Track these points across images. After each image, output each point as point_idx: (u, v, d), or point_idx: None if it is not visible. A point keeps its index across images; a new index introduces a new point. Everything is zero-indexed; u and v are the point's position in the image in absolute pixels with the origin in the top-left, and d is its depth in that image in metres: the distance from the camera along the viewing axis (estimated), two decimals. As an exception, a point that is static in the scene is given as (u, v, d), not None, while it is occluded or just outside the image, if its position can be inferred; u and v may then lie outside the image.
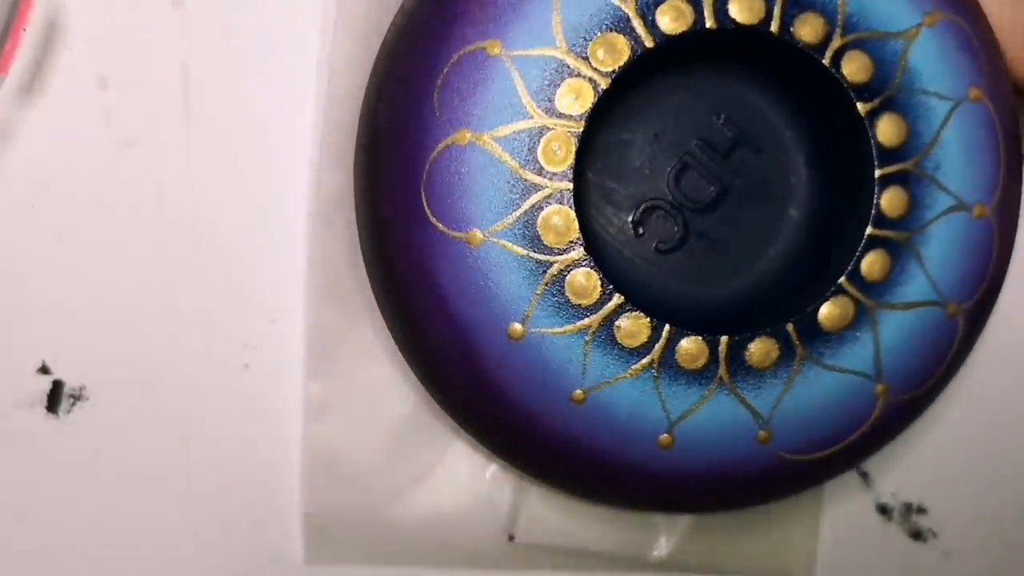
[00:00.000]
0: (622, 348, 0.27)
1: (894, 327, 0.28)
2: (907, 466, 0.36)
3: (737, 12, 0.27)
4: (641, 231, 0.31)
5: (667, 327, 0.27)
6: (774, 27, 0.27)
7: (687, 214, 0.31)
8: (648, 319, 0.27)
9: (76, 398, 0.32)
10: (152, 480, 0.33)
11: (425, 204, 0.27)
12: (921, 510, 0.36)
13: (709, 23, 0.27)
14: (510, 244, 0.27)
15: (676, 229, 0.31)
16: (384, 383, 0.33)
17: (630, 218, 0.30)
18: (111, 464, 0.33)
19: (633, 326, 0.27)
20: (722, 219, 0.31)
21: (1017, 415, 0.36)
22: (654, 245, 0.31)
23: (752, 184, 0.31)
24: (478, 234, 0.27)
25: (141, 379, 0.32)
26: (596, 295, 0.27)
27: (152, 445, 0.33)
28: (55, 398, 0.32)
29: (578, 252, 0.27)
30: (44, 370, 0.32)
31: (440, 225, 0.27)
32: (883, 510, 0.36)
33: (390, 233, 0.28)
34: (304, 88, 0.33)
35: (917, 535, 0.36)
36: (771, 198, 0.31)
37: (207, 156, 0.32)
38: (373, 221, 0.29)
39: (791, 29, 0.27)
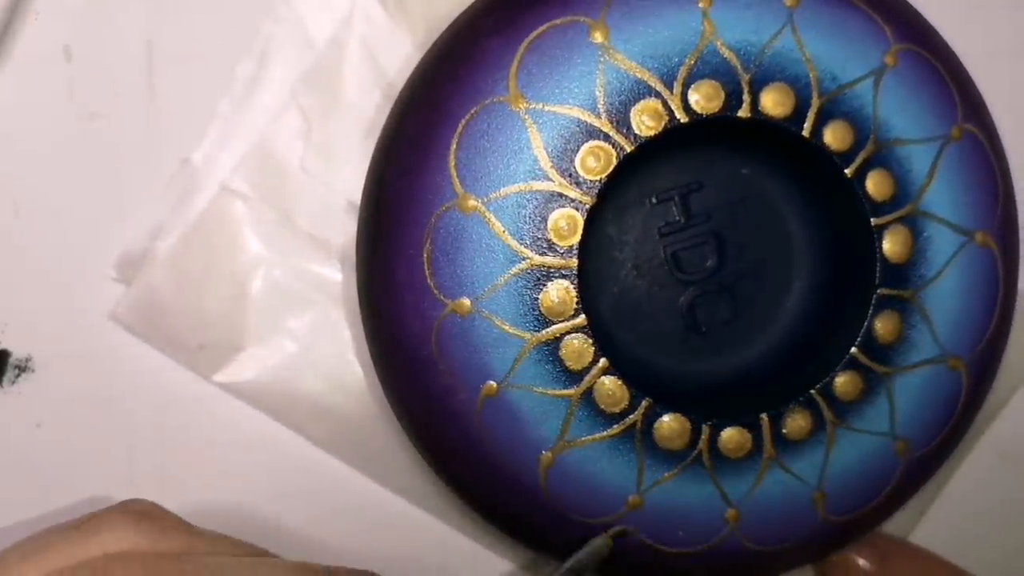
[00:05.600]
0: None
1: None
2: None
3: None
4: (702, 328, 0.31)
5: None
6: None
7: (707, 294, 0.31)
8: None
9: (22, 369, 0.31)
10: (93, 454, 0.32)
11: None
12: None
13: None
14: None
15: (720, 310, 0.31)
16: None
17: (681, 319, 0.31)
18: (53, 437, 0.32)
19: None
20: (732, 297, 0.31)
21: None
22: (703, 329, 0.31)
23: (754, 261, 0.31)
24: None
25: (88, 354, 0.32)
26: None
27: (95, 420, 0.32)
28: (0, 368, 0.31)
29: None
30: (-9, 339, 0.31)
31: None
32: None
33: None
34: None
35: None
36: (774, 271, 0.31)
37: (168, 134, 0.32)
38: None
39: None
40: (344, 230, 0.32)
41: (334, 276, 0.32)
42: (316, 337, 0.33)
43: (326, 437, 0.33)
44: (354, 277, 0.31)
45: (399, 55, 0.32)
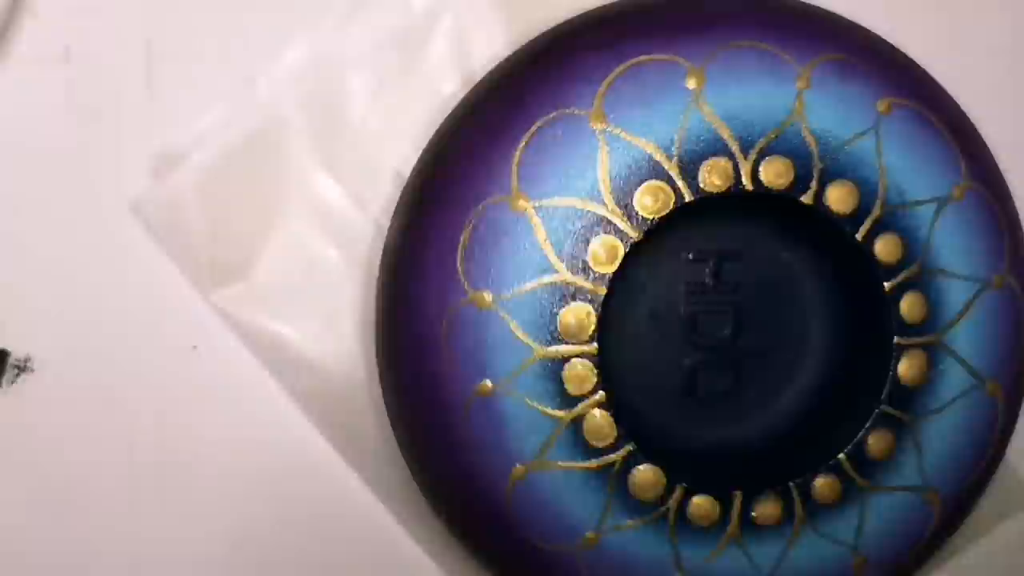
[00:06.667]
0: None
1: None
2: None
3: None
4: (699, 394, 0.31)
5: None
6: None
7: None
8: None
9: (21, 369, 0.31)
10: (94, 455, 0.31)
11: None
12: None
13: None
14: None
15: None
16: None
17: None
18: (53, 438, 0.31)
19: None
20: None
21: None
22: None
23: (768, 328, 0.31)
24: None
25: (88, 353, 0.31)
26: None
27: (96, 420, 0.31)
28: (0, 368, 0.31)
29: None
30: (-10, 339, 0.31)
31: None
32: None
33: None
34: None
35: None
36: (787, 338, 0.31)
37: (168, 134, 0.32)
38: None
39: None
40: (384, 195, 0.32)
41: (362, 235, 0.32)
42: (325, 291, 0.32)
43: (305, 393, 0.32)
44: (381, 243, 0.30)
45: (490, 46, 0.32)
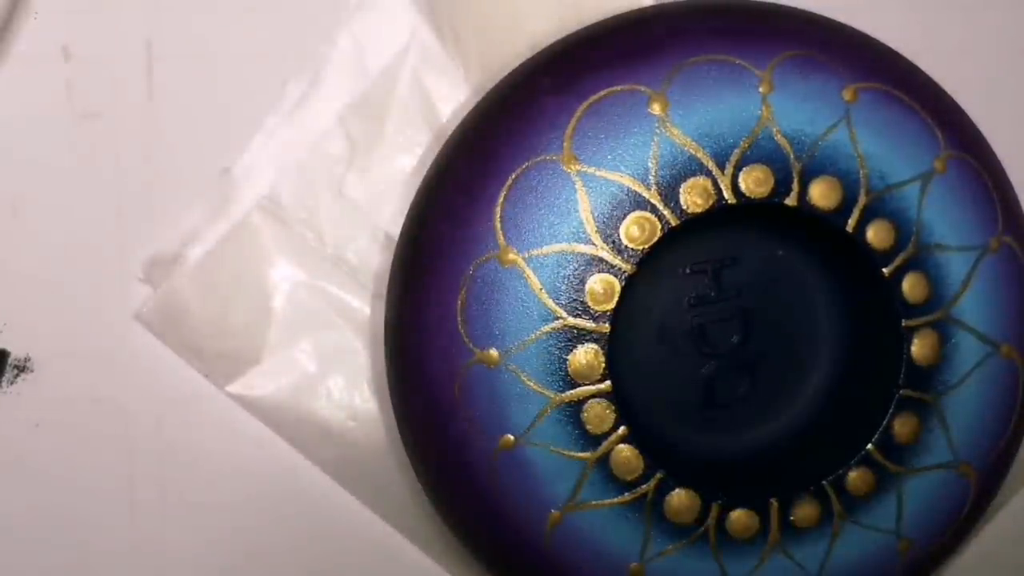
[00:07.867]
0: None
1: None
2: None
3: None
4: (720, 403, 0.31)
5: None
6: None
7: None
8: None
9: (21, 369, 0.31)
10: (92, 455, 0.32)
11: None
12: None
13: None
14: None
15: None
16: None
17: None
18: (52, 437, 0.32)
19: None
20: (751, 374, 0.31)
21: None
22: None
23: (776, 328, 0.31)
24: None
25: (87, 353, 0.32)
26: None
27: (95, 420, 0.32)
28: None
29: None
30: (-10, 339, 0.31)
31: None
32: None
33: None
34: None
35: None
36: (797, 355, 0.31)
37: (169, 135, 0.32)
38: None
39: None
40: (376, 260, 0.32)
41: (360, 303, 0.33)
42: (335, 362, 0.33)
43: (331, 462, 0.33)
44: (381, 307, 0.31)
45: (452, 95, 0.32)
